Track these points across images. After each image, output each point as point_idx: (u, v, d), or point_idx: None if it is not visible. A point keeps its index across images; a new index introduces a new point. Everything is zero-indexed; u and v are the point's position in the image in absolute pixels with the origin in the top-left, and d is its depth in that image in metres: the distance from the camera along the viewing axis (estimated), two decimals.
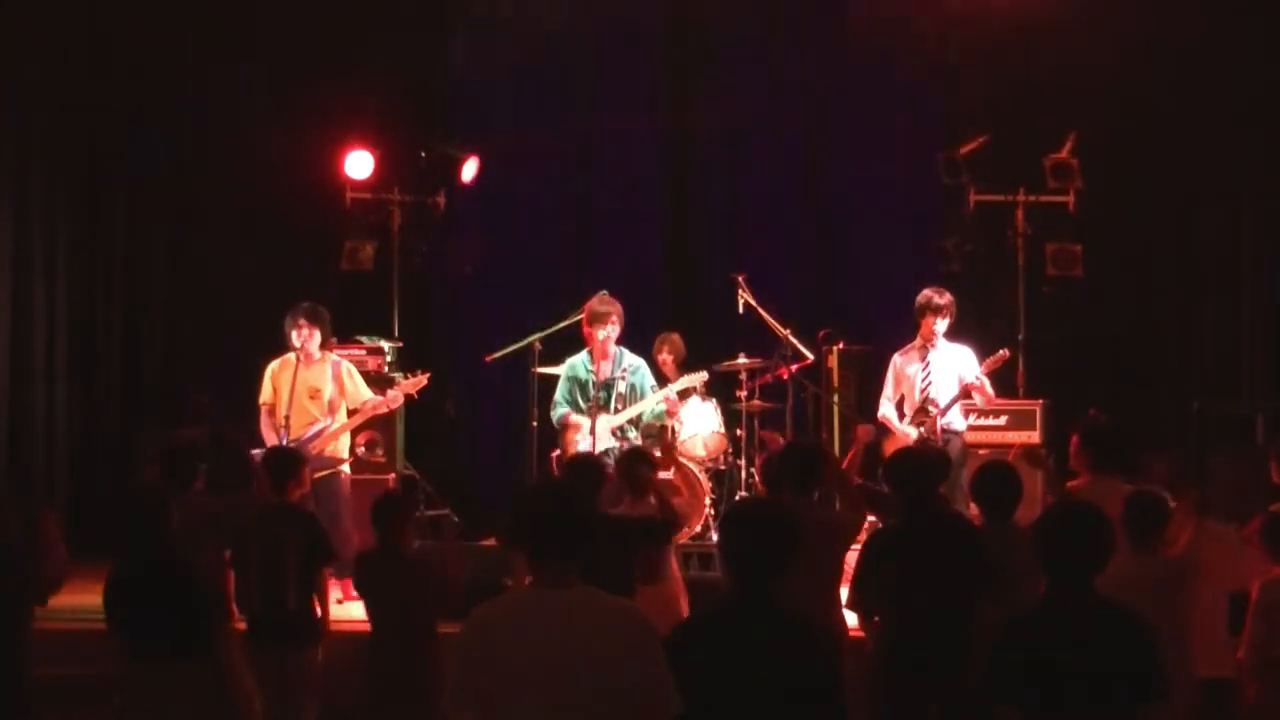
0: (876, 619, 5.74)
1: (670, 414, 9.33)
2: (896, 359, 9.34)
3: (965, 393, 9.06)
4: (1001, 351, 9.24)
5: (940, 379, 9.09)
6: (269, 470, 6.60)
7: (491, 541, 9.29)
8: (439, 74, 11.51)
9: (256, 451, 8.30)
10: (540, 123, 11.44)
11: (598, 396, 8.99)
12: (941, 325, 9.13)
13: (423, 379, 9.17)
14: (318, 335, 8.82)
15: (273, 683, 6.07)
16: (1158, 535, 5.61)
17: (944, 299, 9.16)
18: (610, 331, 9.07)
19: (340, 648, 6.58)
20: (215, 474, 7.18)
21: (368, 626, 6.39)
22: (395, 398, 8.91)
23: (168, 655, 4.95)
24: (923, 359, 9.19)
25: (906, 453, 6.53)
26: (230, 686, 5.24)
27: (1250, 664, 5.72)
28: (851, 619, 6.00)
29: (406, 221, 10.62)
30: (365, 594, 6.29)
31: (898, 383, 9.29)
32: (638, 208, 11.54)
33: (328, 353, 8.90)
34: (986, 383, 9.07)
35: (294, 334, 8.73)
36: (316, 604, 6.35)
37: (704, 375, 9.62)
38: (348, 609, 8.24)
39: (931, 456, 6.45)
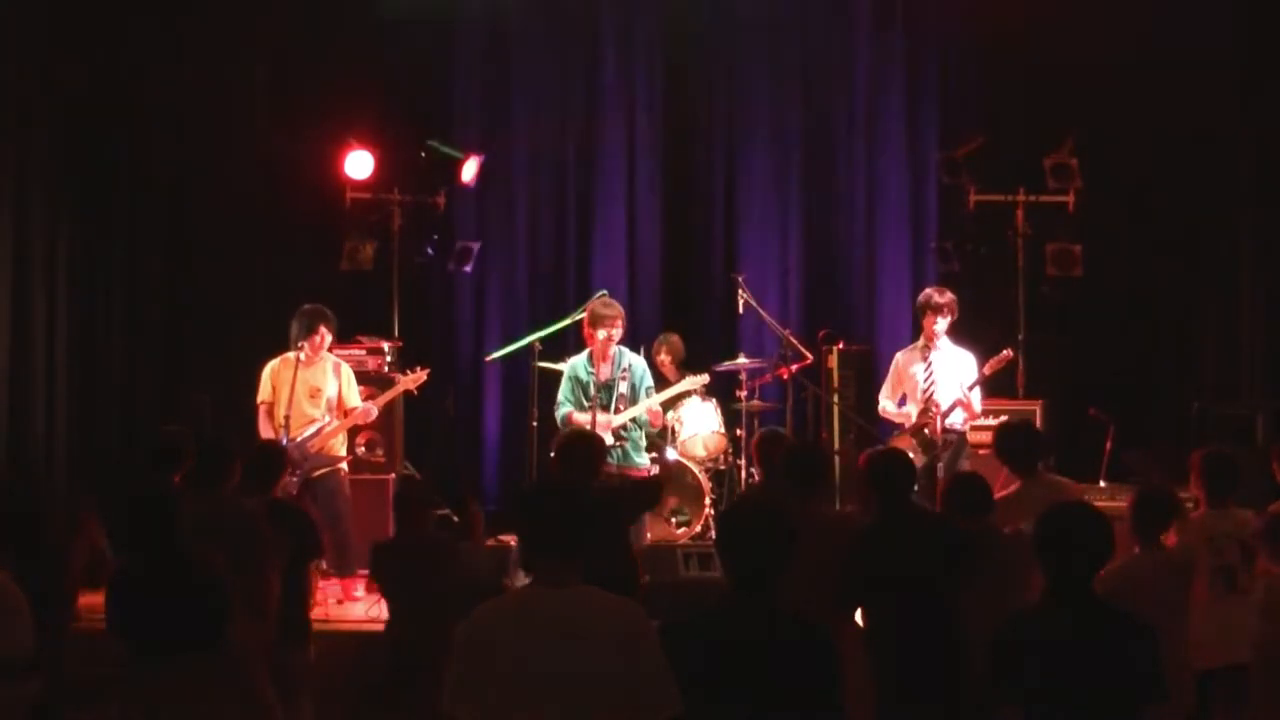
0: (861, 619, 5.75)
1: (653, 424, 9.28)
2: (899, 357, 9.34)
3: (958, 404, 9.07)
4: (1005, 352, 9.18)
5: (942, 380, 9.06)
6: (255, 467, 6.43)
7: (492, 541, 9.28)
8: (439, 74, 11.51)
9: None
10: (540, 123, 11.45)
11: (598, 398, 8.98)
12: (942, 324, 9.12)
13: (422, 374, 9.19)
14: (329, 338, 8.83)
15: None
16: (1165, 532, 5.63)
17: (944, 298, 9.15)
18: (612, 333, 9.05)
19: (340, 647, 6.58)
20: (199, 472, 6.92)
21: (367, 626, 6.38)
22: (369, 410, 8.89)
23: (179, 654, 4.90)
24: (925, 359, 9.18)
25: (881, 453, 6.54)
26: (249, 687, 5.16)
27: (1256, 663, 5.70)
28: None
29: (406, 221, 10.62)
30: (383, 583, 6.23)
31: (899, 380, 9.27)
32: (637, 208, 11.53)
33: (327, 353, 8.90)
34: (974, 399, 9.03)
35: (313, 339, 8.64)
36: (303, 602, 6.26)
37: (704, 378, 9.61)
38: (348, 609, 8.25)
39: (904, 457, 6.42)
